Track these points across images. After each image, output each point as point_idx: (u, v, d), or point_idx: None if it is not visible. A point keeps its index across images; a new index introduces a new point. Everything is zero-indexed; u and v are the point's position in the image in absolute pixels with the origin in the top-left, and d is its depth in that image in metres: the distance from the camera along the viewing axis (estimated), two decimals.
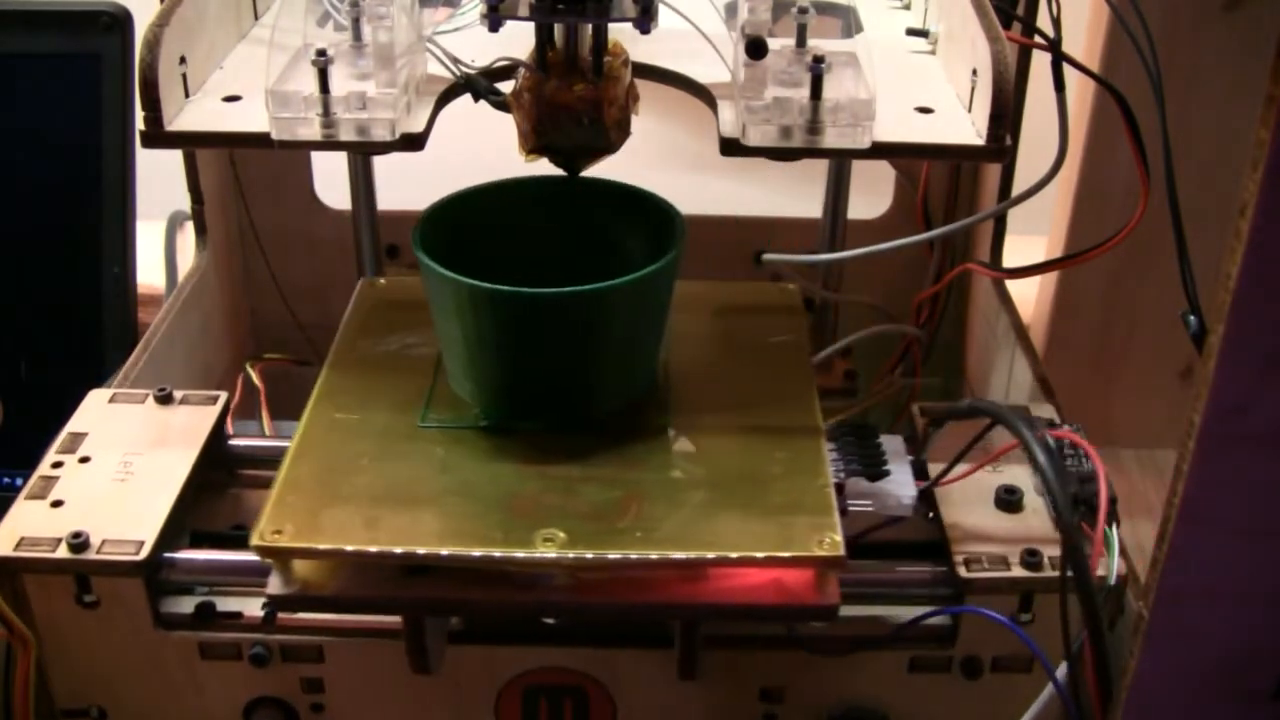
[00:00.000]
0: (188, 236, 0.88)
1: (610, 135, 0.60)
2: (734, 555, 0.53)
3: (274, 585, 0.54)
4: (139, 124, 0.57)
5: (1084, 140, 0.82)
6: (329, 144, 0.56)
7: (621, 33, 0.59)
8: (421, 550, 0.53)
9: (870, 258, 0.70)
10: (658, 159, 0.97)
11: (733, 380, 0.65)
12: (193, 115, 0.58)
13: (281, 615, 0.59)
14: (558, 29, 0.59)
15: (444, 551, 0.53)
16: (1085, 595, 0.48)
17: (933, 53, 0.66)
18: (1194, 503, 0.43)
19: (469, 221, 0.62)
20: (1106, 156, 0.82)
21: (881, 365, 0.87)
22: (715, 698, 0.60)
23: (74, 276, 0.80)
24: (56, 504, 0.59)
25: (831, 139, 0.55)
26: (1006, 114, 0.55)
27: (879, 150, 0.55)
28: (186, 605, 0.59)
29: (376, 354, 0.66)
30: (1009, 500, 0.59)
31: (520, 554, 0.53)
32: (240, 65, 0.63)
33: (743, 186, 0.99)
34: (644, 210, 0.62)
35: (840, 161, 0.76)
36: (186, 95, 0.59)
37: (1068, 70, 0.64)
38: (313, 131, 0.56)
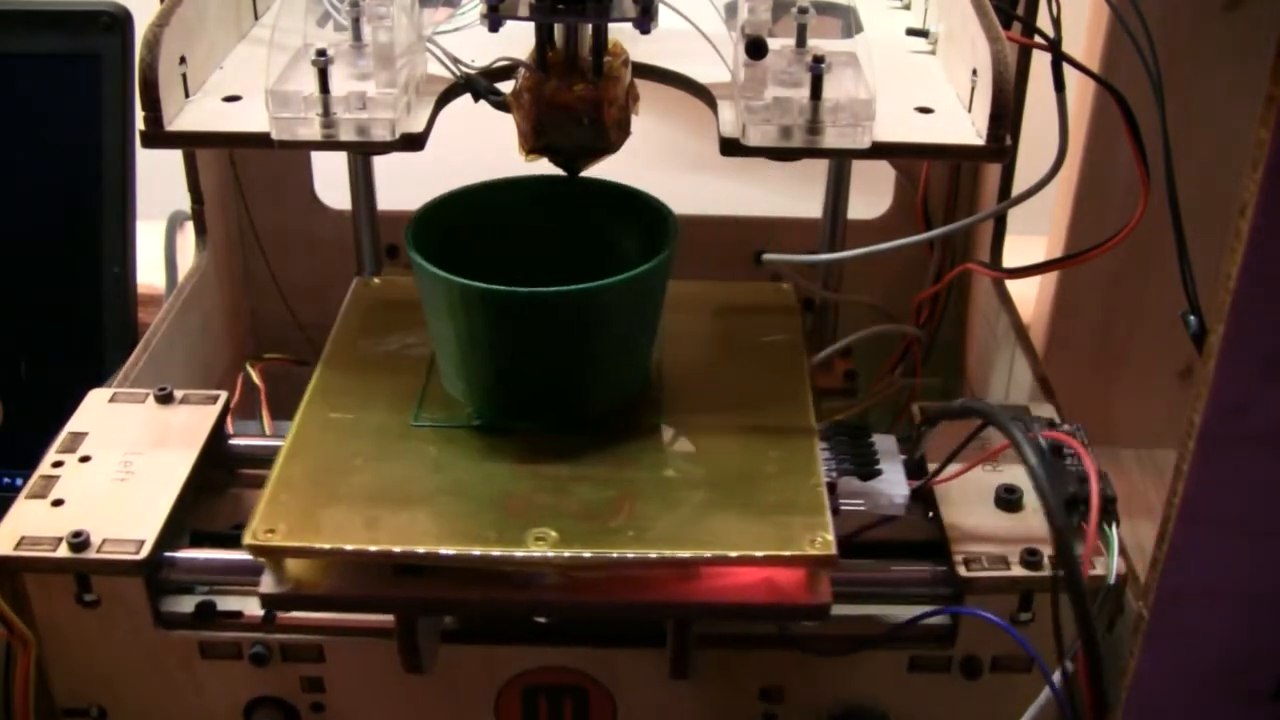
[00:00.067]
0: (188, 236, 0.88)
1: (610, 135, 0.60)
2: (726, 554, 0.53)
3: (267, 584, 0.54)
4: (139, 124, 0.57)
5: (1084, 140, 0.82)
6: (329, 144, 0.56)
7: (621, 33, 0.59)
8: (414, 549, 0.53)
9: (870, 258, 0.70)
10: (658, 159, 0.97)
11: (726, 380, 0.65)
12: (193, 115, 0.58)
13: (282, 614, 0.59)
14: (558, 29, 0.59)
15: (436, 551, 0.53)
16: (1076, 595, 0.48)
17: (933, 53, 0.66)
18: (1194, 503, 0.43)
19: (462, 221, 0.62)
20: (1106, 156, 0.82)
21: (881, 365, 0.87)
22: (715, 697, 0.60)
23: (74, 276, 0.80)
24: (57, 503, 0.59)
25: (831, 139, 0.55)
26: (1006, 114, 0.55)
27: (879, 150, 0.55)
28: (187, 605, 0.59)
29: (370, 353, 0.66)
30: (1009, 500, 0.59)
31: (513, 553, 0.53)
32: (240, 65, 0.63)
33: (743, 186, 0.99)
34: (638, 210, 0.63)
35: (840, 161, 0.76)
36: (186, 95, 0.59)
37: (1068, 70, 0.64)
38: (313, 131, 0.56)
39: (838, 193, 0.78)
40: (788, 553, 0.53)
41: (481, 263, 0.58)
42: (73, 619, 0.58)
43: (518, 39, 0.59)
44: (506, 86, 0.60)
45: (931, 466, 0.61)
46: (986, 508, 0.60)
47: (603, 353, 0.60)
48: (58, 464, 0.62)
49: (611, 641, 0.59)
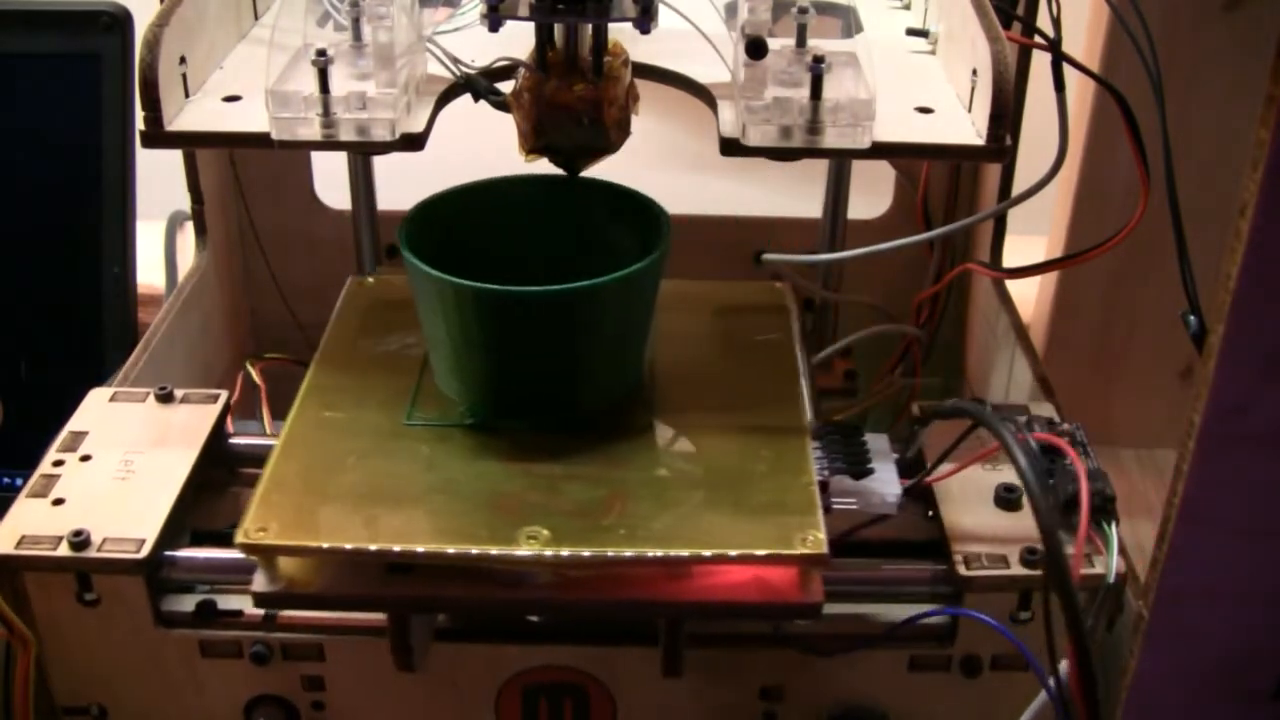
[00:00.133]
0: (188, 236, 0.88)
1: (610, 135, 0.60)
2: (717, 553, 0.53)
3: (259, 582, 0.54)
4: (139, 124, 0.57)
5: (1084, 140, 0.82)
6: (329, 144, 0.56)
7: (621, 33, 0.59)
8: (406, 548, 0.53)
9: (870, 258, 0.70)
10: (658, 159, 0.97)
11: (719, 379, 0.65)
12: (193, 115, 0.58)
13: (283, 613, 0.59)
14: (558, 29, 0.59)
15: (428, 549, 0.53)
16: (1065, 595, 0.48)
17: (933, 53, 0.66)
18: (1194, 503, 0.43)
19: (456, 220, 0.63)
20: (1106, 156, 0.82)
21: (881, 365, 0.87)
22: (715, 696, 0.60)
23: (74, 276, 0.80)
24: (58, 502, 0.59)
25: (831, 139, 0.55)
26: (1006, 114, 0.55)
27: (879, 150, 0.55)
28: (187, 603, 0.59)
29: (364, 352, 0.66)
30: (1008, 499, 0.59)
31: (504, 551, 0.53)
32: (240, 65, 0.63)
33: (743, 186, 0.99)
34: (631, 209, 0.63)
35: (840, 161, 0.76)
36: (186, 95, 0.59)
37: (1068, 70, 0.64)
38: (313, 131, 0.56)
39: (838, 193, 0.78)
40: (779, 551, 0.53)
41: (475, 262, 0.58)
42: (73, 618, 0.58)
43: (518, 39, 0.59)
44: (506, 86, 0.60)
45: (948, 466, 0.61)
46: (986, 507, 0.60)
47: (595, 352, 0.60)
48: (58, 463, 0.62)
49: (611, 640, 0.59)
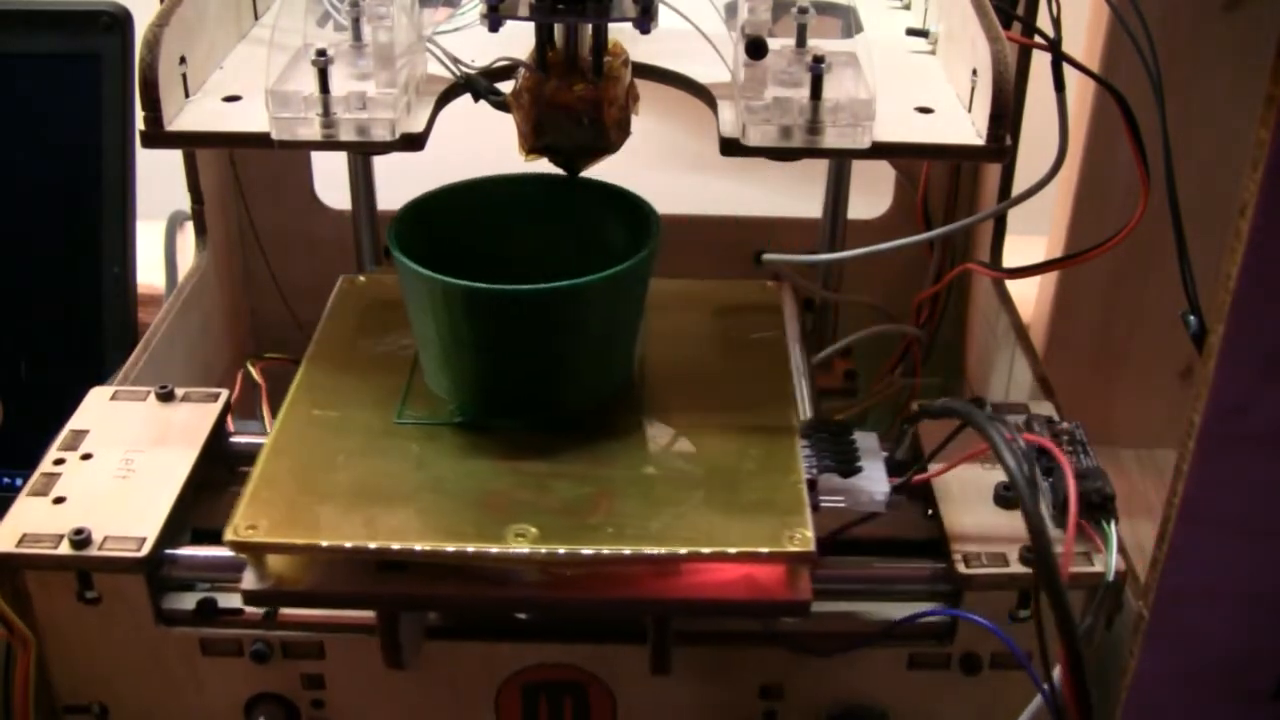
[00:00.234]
0: (188, 236, 0.88)
1: (610, 135, 0.60)
2: (704, 551, 0.53)
3: (248, 580, 0.54)
4: (139, 124, 0.57)
5: (1084, 140, 0.82)
6: (329, 144, 0.56)
7: (621, 33, 0.59)
8: (394, 545, 0.53)
9: (870, 258, 0.70)
10: (658, 159, 0.97)
11: (709, 377, 0.65)
12: (193, 115, 0.58)
13: (283, 611, 0.59)
14: (558, 29, 0.59)
15: (416, 547, 0.53)
16: (1054, 594, 0.48)
17: (933, 53, 0.66)
18: (1194, 503, 0.44)
19: (446, 220, 0.63)
20: (1106, 156, 0.83)
21: (881, 365, 0.87)
22: (714, 694, 0.60)
23: (74, 276, 0.80)
24: (58, 501, 0.59)
25: (831, 139, 0.55)
26: (1006, 114, 0.55)
27: (879, 150, 0.55)
28: (188, 602, 0.59)
29: (355, 351, 0.67)
30: (1008, 497, 0.59)
31: (492, 549, 0.53)
32: (240, 65, 0.63)
33: (743, 186, 0.99)
34: (621, 208, 0.63)
35: (840, 161, 0.76)
36: (186, 95, 0.59)
37: (1068, 70, 0.64)
38: (313, 131, 0.56)
39: (838, 193, 0.78)
40: (767, 549, 0.53)
41: (466, 261, 0.58)
42: (74, 616, 0.58)
43: (518, 39, 0.59)
44: (506, 86, 0.60)
45: (933, 466, 0.61)
46: (986, 505, 0.60)
47: (584, 350, 0.60)
48: (59, 461, 0.62)
49: (611, 638, 0.59)
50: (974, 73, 0.57)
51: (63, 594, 0.58)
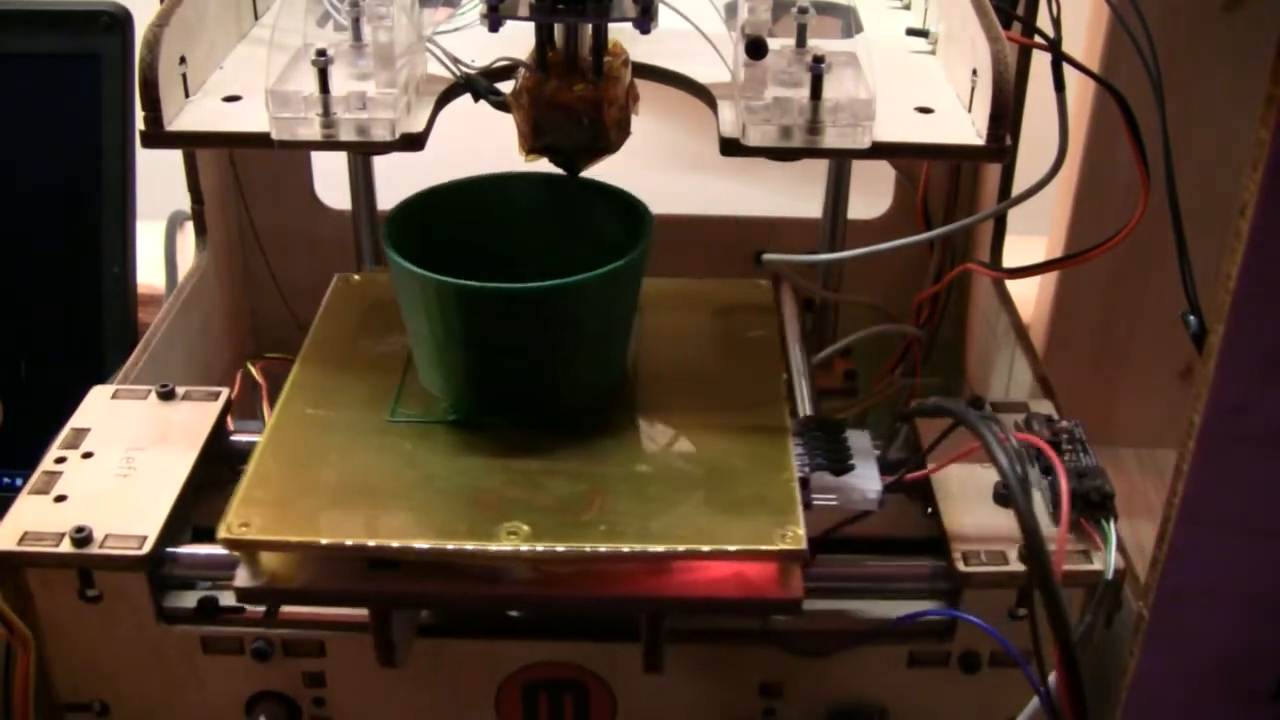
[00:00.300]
0: (188, 236, 0.88)
1: (610, 135, 0.60)
2: (697, 548, 0.53)
3: (241, 578, 0.54)
4: (139, 124, 0.57)
5: (1084, 140, 0.82)
6: (329, 144, 0.56)
7: (621, 33, 0.59)
8: (386, 543, 0.53)
9: (870, 258, 0.70)
10: (658, 159, 0.97)
11: (701, 376, 0.65)
12: (193, 115, 0.58)
13: (284, 609, 0.59)
14: (558, 29, 0.59)
15: (409, 545, 0.53)
16: (1047, 592, 0.48)
17: (933, 53, 0.66)
18: (1194, 503, 0.44)
19: (440, 218, 0.63)
20: (1106, 156, 0.83)
21: (881, 365, 0.87)
22: (714, 692, 0.60)
23: (74, 276, 0.80)
24: (60, 499, 0.59)
25: (831, 139, 0.55)
26: (1006, 114, 0.55)
27: (879, 150, 0.55)
28: (189, 600, 0.59)
29: (349, 349, 0.67)
30: (1007, 495, 0.59)
31: (484, 547, 0.53)
32: (240, 65, 0.63)
33: (743, 186, 0.99)
34: (616, 207, 0.63)
35: (840, 161, 0.76)
36: (186, 95, 0.59)
37: (1068, 70, 0.64)
38: (313, 131, 0.56)
39: (838, 193, 0.78)
40: (758, 547, 0.53)
41: (460, 260, 0.58)
42: (75, 614, 0.58)
43: (518, 39, 0.59)
44: (506, 86, 0.60)
45: (930, 464, 0.61)
46: (985, 504, 0.60)
47: (576, 349, 0.60)
48: (60, 460, 0.62)
49: (611, 636, 0.59)
50: (974, 73, 0.57)
51: (64, 592, 0.58)
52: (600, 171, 0.63)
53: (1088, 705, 0.49)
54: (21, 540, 0.57)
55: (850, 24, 0.67)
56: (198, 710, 0.61)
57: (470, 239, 0.63)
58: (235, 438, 0.67)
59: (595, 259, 0.58)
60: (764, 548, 0.53)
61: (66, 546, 0.57)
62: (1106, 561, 0.55)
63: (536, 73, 0.59)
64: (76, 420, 0.65)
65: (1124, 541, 0.57)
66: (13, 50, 0.80)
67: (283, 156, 0.86)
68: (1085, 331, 0.89)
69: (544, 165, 0.63)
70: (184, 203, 0.83)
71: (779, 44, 0.56)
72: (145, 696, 0.61)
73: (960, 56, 0.60)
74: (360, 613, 0.58)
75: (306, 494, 0.56)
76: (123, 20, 0.79)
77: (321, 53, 0.55)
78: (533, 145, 0.61)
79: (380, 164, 0.78)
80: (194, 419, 0.65)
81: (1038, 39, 0.64)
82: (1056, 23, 0.63)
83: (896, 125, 0.56)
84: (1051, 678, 0.52)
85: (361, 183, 0.79)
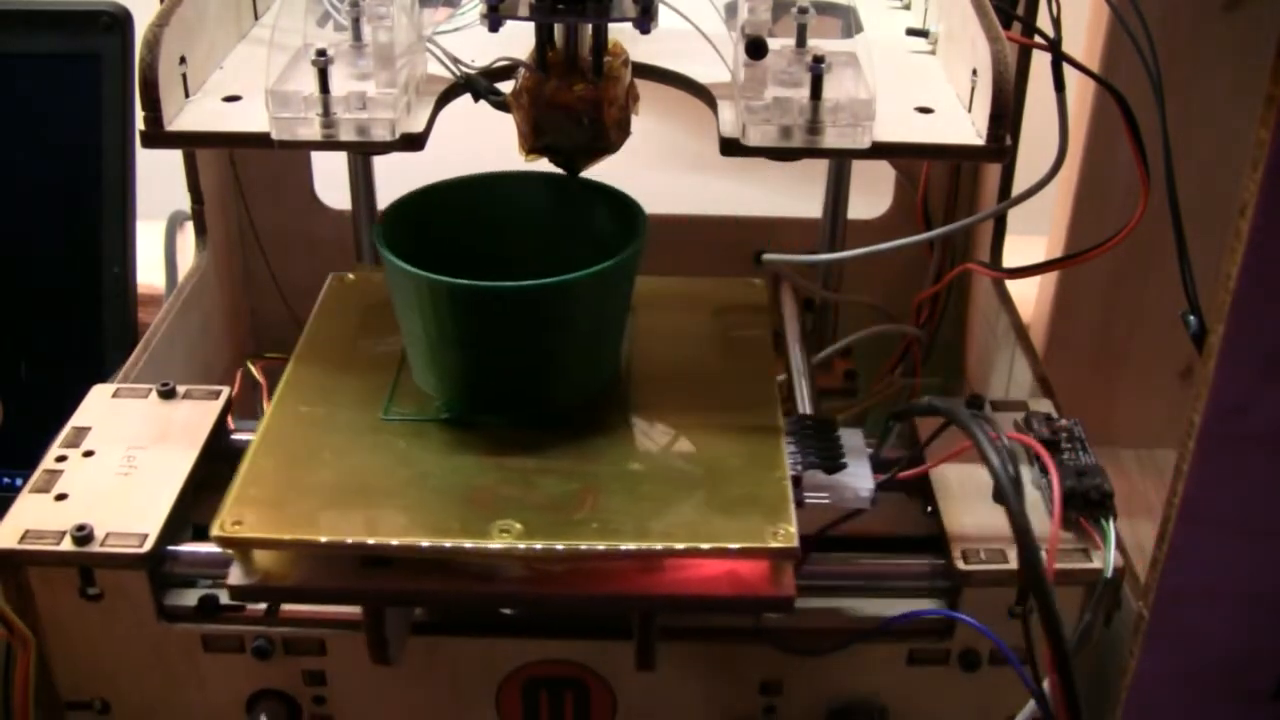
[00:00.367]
0: (188, 236, 0.88)
1: (610, 135, 0.60)
2: (688, 546, 0.53)
3: (234, 576, 0.54)
4: (139, 124, 0.57)
5: (1084, 140, 0.82)
6: (329, 144, 0.56)
7: (621, 33, 0.59)
8: (379, 541, 0.53)
9: (870, 258, 0.70)
10: (658, 159, 0.97)
11: (694, 375, 0.65)
12: (193, 115, 0.58)
13: (284, 608, 0.59)
14: (558, 29, 0.59)
15: (401, 542, 0.53)
16: (1039, 590, 0.48)
17: (933, 53, 0.66)
18: (1194, 503, 0.44)
19: (434, 217, 0.63)
20: (1106, 156, 0.83)
21: (881, 365, 0.87)
22: (714, 690, 0.60)
23: (74, 276, 0.80)
24: (60, 497, 0.59)
25: (831, 139, 0.55)
26: (1006, 114, 0.55)
27: (879, 150, 0.55)
28: (190, 598, 0.60)
29: (343, 348, 0.67)
30: None
31: (477, 545, 0.53)
32: (240, 65, 0.63)
33: (743, 186, 0.99)
34: (608, 205, 0.63)
35: (840, 161, 0.76)
36: (186, 95, 0.59)
37: (1068, 70, 0.64)
38: (313, 131, 0.56)
39: (838, 193, 0.78)
40: (750, 545, 0.53)
41: (455, 259, 0.58)
42: (76, 612, 0.58)
43: (518, 39, 0.59)
44: (506, 86, 0.60)
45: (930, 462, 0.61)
46: (985, 502, 0.60)
47: (569, 347, 0.60)
48: (61, 459, 0.62)
49: (610, 634, 0.59)
50: (974, 73, 0.57)
51: (65, 590, 0.58)
52: (600, 171, 0.63)
53: (1082, 705, 0.49)
54: (23, 539, 0.57)
55: (850, 24, 0.67)
56: (198, 708, 0.61)
57: (466, 238, 0.63)
58: (236, 437, 0.67)
59: (592, 258, 0.58)
60: (756, 545, 0.53)
61: (67, 545, 0.57)
62: (1105, 560, 0.55)
63: (536, 73, 0.59)
64: (77, 419, 0.65)
65: (1124, 541, 0.57)
66: (13, 50, 0.80)
67: (283, 156, 0.86)
68: (1085, 331, 0.90)
69: (544, 165, 0.63)
70: (184, 203, 0.83)
71: (779, 44, 0.56)
72: (146, 694, 0.61)
73: (960, 56, 0.60)
74: (359, 611, 0.58)
75: (300, 492, 0.56)
76: (123, 20, 0.79)
77: (321, 53, 0.55)
78: (533, 145, 0.61)
79: (380, 164, 0.78)
80: (195, 418, 0.65)
81: (1038, 39, 0.64)
82: (1056, 23, 0.63)
83: (896, 125, 0.56)
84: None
85: (361, 183, 0.79)
